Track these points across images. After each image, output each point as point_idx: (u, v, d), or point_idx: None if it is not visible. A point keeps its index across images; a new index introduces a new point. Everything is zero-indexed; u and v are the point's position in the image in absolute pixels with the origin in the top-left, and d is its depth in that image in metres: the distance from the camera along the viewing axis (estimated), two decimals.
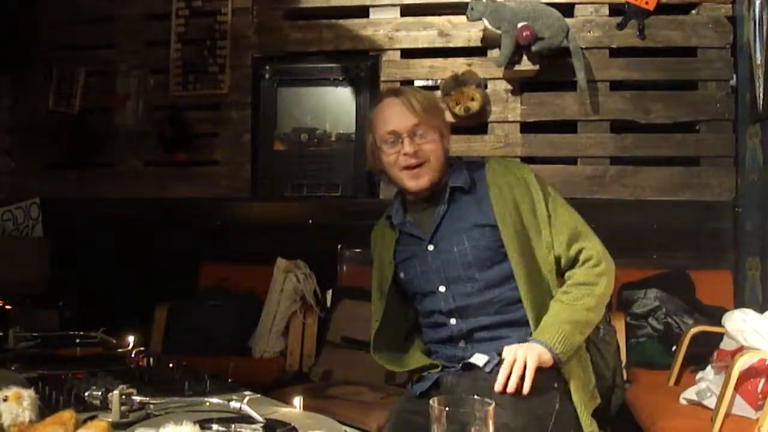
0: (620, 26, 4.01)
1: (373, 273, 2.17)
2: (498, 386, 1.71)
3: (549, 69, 3.94)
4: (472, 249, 1.93)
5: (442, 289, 1.97)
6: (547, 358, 1.79)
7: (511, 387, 1.70)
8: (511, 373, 1.72)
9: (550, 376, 1.83)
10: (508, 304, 1.92)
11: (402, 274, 2.07)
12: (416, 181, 1.98)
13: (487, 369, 1.86)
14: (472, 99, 3.96)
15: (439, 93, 3.99)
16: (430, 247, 2.00)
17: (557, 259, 1.95)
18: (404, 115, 1.97)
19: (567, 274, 1.96)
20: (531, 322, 1.88)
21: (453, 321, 1.96)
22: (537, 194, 1.97)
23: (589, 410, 1.88)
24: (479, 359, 1.88)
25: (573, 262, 1.95)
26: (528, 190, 1.98)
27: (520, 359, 1.74)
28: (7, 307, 3.64)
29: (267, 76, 4.39)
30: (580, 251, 1.94)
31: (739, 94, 3.85)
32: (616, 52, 4.06)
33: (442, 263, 1.97)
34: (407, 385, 2.08)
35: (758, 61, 3.42)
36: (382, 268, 2.11)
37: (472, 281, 1.93)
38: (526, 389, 1.71)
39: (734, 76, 3.90)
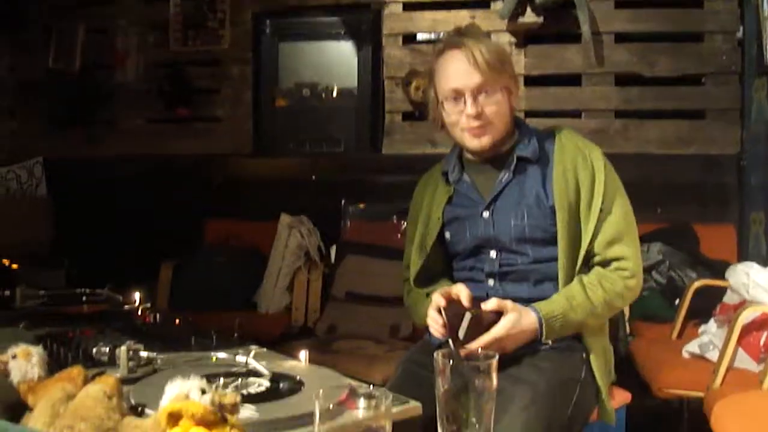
0: None
1: (411, 228, 2.10)
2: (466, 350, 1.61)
3: (553, 21, 3.89)
4: (529, 226, 1.87)
5: (492, 254, 1.91)
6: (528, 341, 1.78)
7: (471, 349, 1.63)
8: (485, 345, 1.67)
9: (577, 348, 1.85)
10: (550, 280, 1.88)
11: (447, 234, 1.99)
12: (479, 140, 1.88)
13: None
14: None
15: None
16: (485, 214, 1.92)
17: (592, 253, 1.87)
18: (468, 72, 1.84)
19: (601, 272, 1.86)
20: None
21: (491, 283, 1.92)
22: (599, 184, 1.86)
23: (608, 387, 1.89)
24: None
25: (606, 264, 1.87)
26: (592, 176, 1.87)
27: (503, 348, 1.71)
28: (14, 266, 3.66)
29: (267, 31, 4.36)
30: (617, 258, 1.86)
31: (746, 46, 3.80)
32: (621, 4, 4.00)
33: (495, 232, 1.90)
34: (425, 335, 2.04)
35: (765, 14, 3.37)
36: (427, 223, 2.03)
37: (523, 255, 1.89)
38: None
39: (741, 28, 3.85)
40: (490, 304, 1.75)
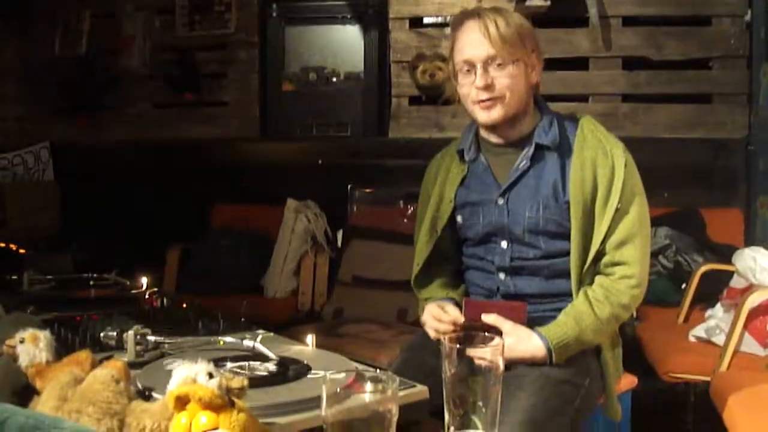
0: None
1: (422, 208, 2.05)
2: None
3: (560, 4, 3.86)
4: (544, 219, 1.82)
5: (504, 245, 1.87)
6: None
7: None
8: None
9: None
10: (560, 276, 1.84)
11: (459, 218, 1.95)
12: (488, 113, 1.81)
13: None
14: None
15: (448, 31, 3.94)
16: (500, 201, 1.87)
17: (602, 252, 1.81)
18: (480, 42, 1.78)
19: (606, 284, 1.80)
20: (574, 296, 1.82)
21: (502, 276, 1.88)
22: (617, 182, 1.79)
23: (617, 382, 1.89)
24: None
25: (611, 266, 1.81)
26: (611, 174, 1.79)
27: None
28: (21, 250, 3.68)
29: (274, 14, 4.34)
30: (624, 262, 1.79)
31: (754, 30, 3.77)
32: None
33: (509, 222, 1.85)
34: None
35: None
36: (438, 205, 1.98)
37: (535, 249, 1.84)
38: None
39: (749, 11, 3.82)
40: (488, 319, 1.74)
